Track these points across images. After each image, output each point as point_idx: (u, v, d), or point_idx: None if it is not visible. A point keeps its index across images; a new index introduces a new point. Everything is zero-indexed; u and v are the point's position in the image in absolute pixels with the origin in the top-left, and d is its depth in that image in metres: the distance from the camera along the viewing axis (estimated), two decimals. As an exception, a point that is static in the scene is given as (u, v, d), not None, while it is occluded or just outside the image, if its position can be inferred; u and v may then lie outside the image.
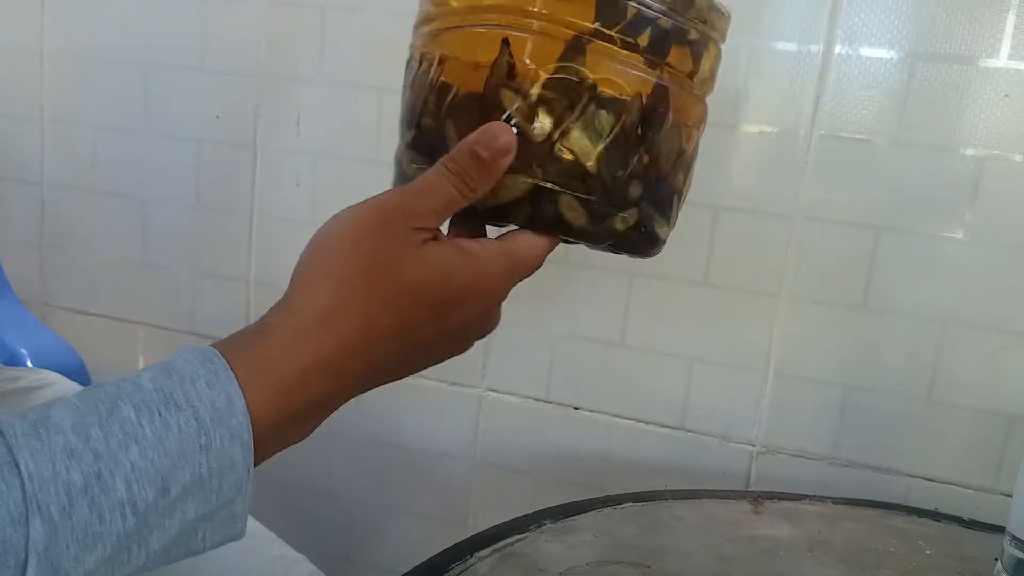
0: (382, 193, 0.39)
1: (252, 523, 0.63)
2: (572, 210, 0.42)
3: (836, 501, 0.75)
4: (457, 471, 0.99)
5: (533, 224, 0.42)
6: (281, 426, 0.35)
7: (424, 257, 0.37)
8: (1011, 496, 0.53)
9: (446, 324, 0.39)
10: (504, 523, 0.64)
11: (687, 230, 0.87)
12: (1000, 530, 0.54)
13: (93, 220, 1.09)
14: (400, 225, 0.37)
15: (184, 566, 0.56)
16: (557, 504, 0.68)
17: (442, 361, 0.42)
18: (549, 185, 0.41)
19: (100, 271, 1.10)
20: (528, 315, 0.91)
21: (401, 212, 0.38)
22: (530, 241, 0.42)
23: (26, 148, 1.10)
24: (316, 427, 0.38)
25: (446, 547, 0.60)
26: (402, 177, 0.46)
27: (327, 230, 0.38)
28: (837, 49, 0.80)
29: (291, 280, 0.38)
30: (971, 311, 0.80)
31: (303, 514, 1.07)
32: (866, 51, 0.79)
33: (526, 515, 0.66)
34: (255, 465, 0.34)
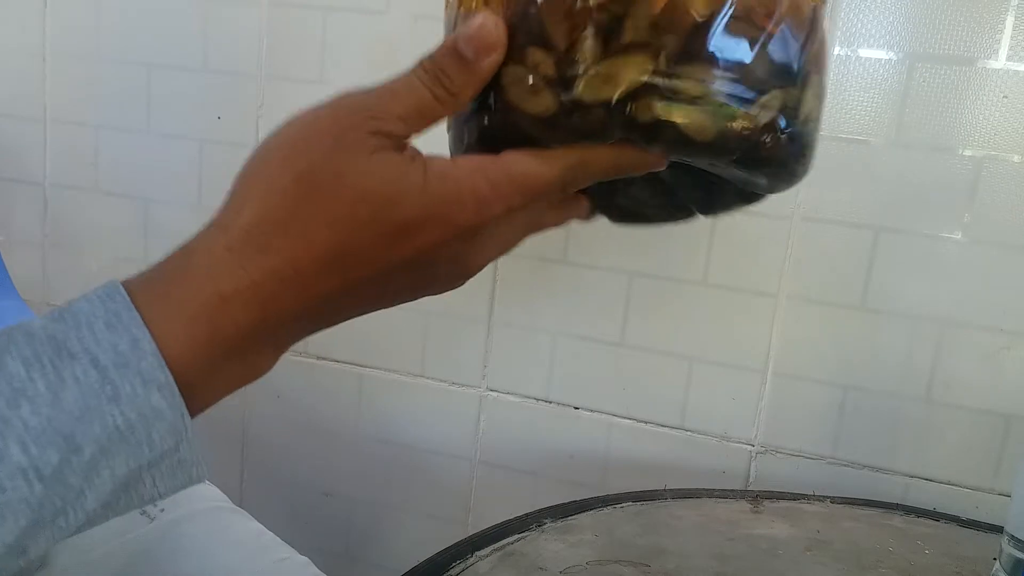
0: (350, 91, 0.33)
1: (255, 526, 0.64)
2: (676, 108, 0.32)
3: (835, 501, 0.75)
4: (457, 470, 0.99)
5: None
6: (212, 362, 0.30)
7: (371, 168, 0.31)
8: (1009, 496, 0.53)
9: (398, 253, 0.32)
10: (504, 522, 0.64)
11: (686, 230, 0.87)
12: (998, 530, 0.54)
13: (96, 220, 1.09)
14: (352, 128, 0.31)
15: (187, 568, 0.56)
16: (557, 503, 0.69)
17: (402, 301, 0.35)
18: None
19: (103, 271, 1.10)
20: (528, 315, 0.92)
21: (356, 113, 0.32)
22: (524, 161, 0.33)
23: (29, 148, 1.10)
24: (272, 359, 0.33)
25: (447, 546, 0.60)
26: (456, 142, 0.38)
27: (275, 131, 0.33)
28: (835, 50, 0.80)
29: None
30: (969, 311, 0.80)
31: (303, 513, 1.07)
32: (864, 52, 0.79)
33: (526, 514, 0.66)
34: (201, 407, 0.31)
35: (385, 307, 0.35)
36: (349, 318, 0.34)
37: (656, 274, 0.88)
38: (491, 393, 0.96)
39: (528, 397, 0.95)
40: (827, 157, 0.81)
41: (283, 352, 0.34)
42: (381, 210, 0.31)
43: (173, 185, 1.04)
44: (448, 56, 0.32)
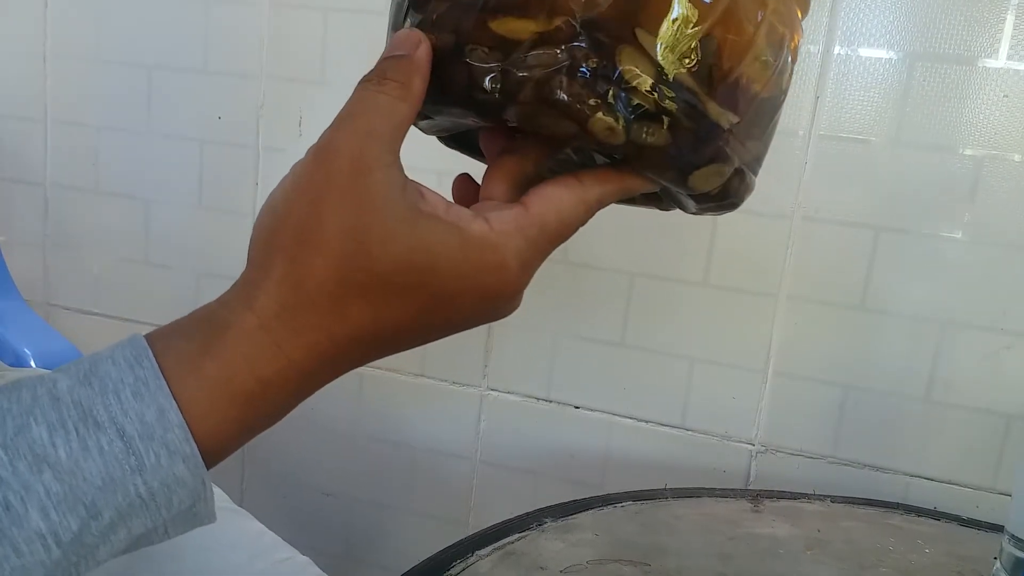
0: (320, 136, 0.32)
1: (256, 526, 0.63)
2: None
3: (835, 500, 0.75)
4: (458, 470, 0.99)
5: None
6: (241, 435, 0.31)
7: (402, 235, 0.30)
8: (1009, 495, 0.53)
9: (438, 317, 0.32)
10: (505, 521, 0.64)
11: (686, 231, 0.87)
12: (999, 529, 0.54)
13: (96, 220, 1.09)
14: (339, 171, 0.30)
15: (188, 568, 0.56)
16: (558, 503, 0.69)
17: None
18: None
19: (104, 271, 1.11)
20: (529, 315, 0.91)
21: (333, 153, 0.31)
22: (555, 211, 0.33)
23: (30, 149, 1.10)
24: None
25: (447, 545, 0.60)
26: None
27: (276, 196, 0.32)
28: (836, 49, 0.80)
29: (248, 257, 0.32)
30: (969, 311, 0.80)
31: (304, 512, 1.07)
32: (865, 51, 0.79)
33: (527, 513, 0.66)
34: (219, 461, 0.31)
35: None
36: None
37: (656, 274, 0.88)
38: (491, 392, 0.96)
39: (529, 397, 0.95)
40: (827, 157, 0.81)
41: None
42: (419, 282, 0.30)
43: (173, 185, 1.04)
44: (384, 61, 0.33)
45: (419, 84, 0.33)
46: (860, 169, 0.81)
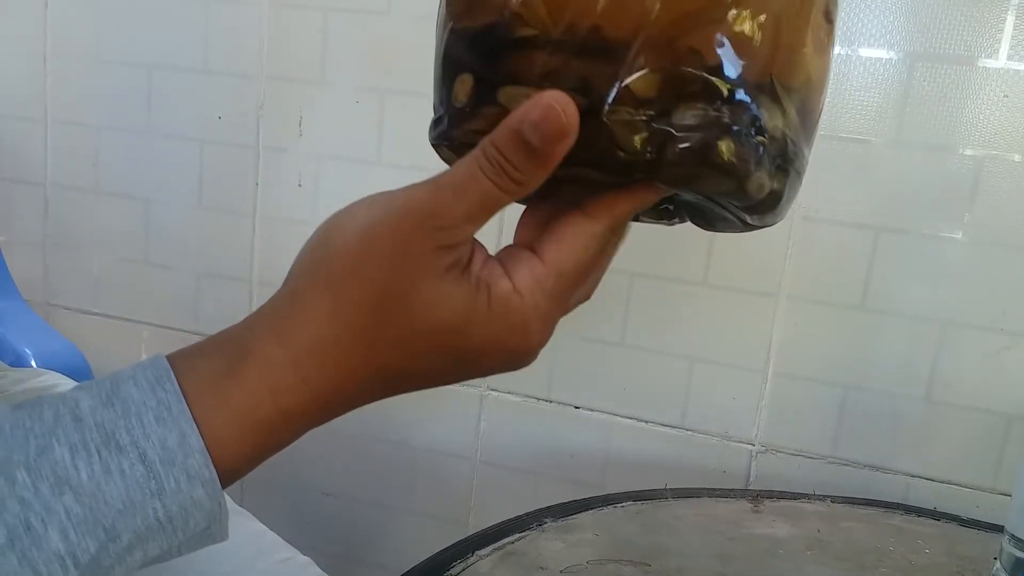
0: (411, 188, 0.31)
1: (257, 526, 0.63)
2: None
3: (835, 500, 0.75)
4: (458, 470, 0.99)
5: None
6: (258, 459, 0.32)
7: (439, 297, 0.30)
8: (1010, 495, 0.53)
9: (459, 372, 0.34)
10: (505, 521, 0.64)
11: (686, 231, 0.87)
12: (999, 529, 0.54)
13: (97, 220, 1.09)
14: (418, 243, 0.30)
15: (189, 569, 0.56)
16: (558, 503, 0.69)
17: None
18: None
19: (104, 271, 1.11)
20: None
21: (421, 225, 0.30)
22: (570, 256, 0.33)
23: (30, 149, 1.10)
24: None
25: (447, 545, 0.60)
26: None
27: (336, 229, 0.31)
28: (836, 50, 0.80)
29: (286, 281, 0.32)
30: (970, 311, 0.80)
31: (304, 512, 1.07)
32: (865, 51, 0.79)
33: (527, 514, 0.66)
34: (233, 482, 0.32)
35: None
36: None
37: (656, 274, 0.88)
38: (492, 392, 0.96)
39: (529, 397, 0.95)
40: (827, 157, 0.81)
41: None
42: (447, 341, 0.32)
43: (174, 185, 1.04)
44: (512, 143, 0.29)
45: (536, 185, 0.30)
46: (860, 169, 0.81)
